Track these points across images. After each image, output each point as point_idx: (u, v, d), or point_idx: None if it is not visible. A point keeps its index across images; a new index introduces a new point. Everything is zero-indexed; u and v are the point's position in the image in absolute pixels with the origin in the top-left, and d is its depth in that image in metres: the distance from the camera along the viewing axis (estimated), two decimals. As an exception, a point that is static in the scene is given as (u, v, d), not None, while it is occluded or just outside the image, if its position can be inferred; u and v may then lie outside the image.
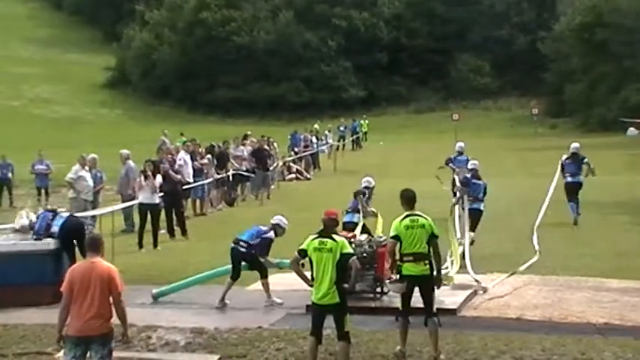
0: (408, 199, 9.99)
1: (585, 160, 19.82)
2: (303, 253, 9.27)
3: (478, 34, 70.25)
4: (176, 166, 20.27)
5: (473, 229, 15.96)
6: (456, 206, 15.34)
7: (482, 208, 16.79)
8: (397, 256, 9.84)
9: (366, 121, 54.83)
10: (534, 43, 65.50)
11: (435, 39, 72.02)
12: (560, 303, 11.96)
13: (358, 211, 14.54)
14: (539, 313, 11.52)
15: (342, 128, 47.48)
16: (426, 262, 9.69)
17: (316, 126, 46.83)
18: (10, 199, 26.64)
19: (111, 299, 7.88)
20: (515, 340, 10.13)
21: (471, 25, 71.20)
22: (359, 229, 13.49)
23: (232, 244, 12.76)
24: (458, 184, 17.60)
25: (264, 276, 12.59)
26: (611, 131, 49.77)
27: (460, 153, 21.29)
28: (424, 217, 9.85)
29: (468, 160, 19.26)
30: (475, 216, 16.32)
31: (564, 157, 19.95)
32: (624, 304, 11.83)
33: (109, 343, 7.93)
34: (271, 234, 12.75)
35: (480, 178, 17.00)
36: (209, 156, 24.63)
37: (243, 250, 12.59)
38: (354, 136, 49.76)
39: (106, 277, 7.83)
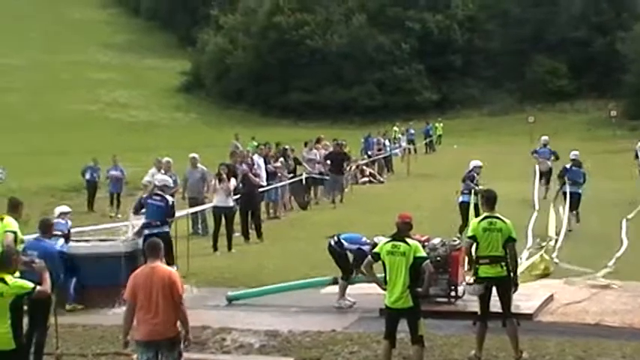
0: (489, 200, 9.96)
1: None
2: (376, 257, 9.28)
3: (554, 36, 69.11)
4: (255, 169, 20.46)
5: (573, 209, 19.01)
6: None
7: (580, 191, 19.67)
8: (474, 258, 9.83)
9: (441, 124, 54.50)
10: (613, 43, 64.09)
11: (509, 41, 71.10)
12: (640, 309, 11.71)
13: (470, 193, 17.43)
14: (619, 318, 11.30)
15: (411, 131, 47.28)
16: (503, 264, 9.65)
17: (395, 128, 46.76)
18: (92, 202, 27.12)
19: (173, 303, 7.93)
20: (594, 347, 9.97)
21: (546, 26, 70.10)
22: (472, 208, 16.14)
23: (329, 238, 12.88)
24: (537, 172, 22.66)
25: (344, 277, 12.54)
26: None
27: (544, 145, 25.37)
28: (502, 220, 9.79)
29: (550, 152, 24.76)
30: (575, 198, 19.21)
31: None
32: None
33: (178, 346, 8.02)
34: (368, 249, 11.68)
35: (580, 167, 20.09)
36: (282, 159, 24.81)
37: (332, 243, 12.64)
38: (428, 139, 49.50)
39: (167, 282, 7.90)
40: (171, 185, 14.78)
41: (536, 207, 20.01)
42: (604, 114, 59.85)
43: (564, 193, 19.36)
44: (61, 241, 12.71)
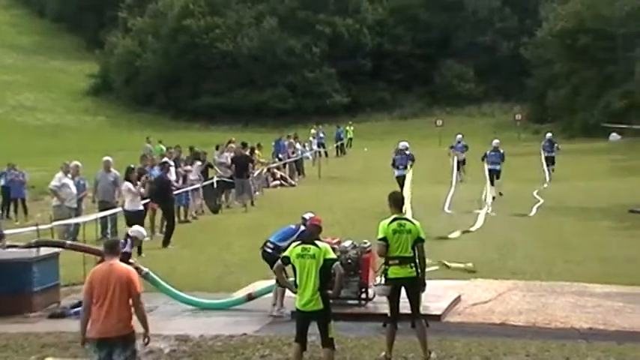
0: (396, 202, 10.02)
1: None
2: (286, 260, 9.26)
3: (462, 40, 70.47)
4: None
5: (496, 179, 26.21)
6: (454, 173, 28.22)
7: (499, 168, 26.71)
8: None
9: (351, 128, 54.88)
10: (517, 48, 65.70)
11: (418, 45, 72.16)
12: (544, 308, 12.00)
13: (405, 168, 23.23)
14: (524, 318, 11.56)
15: (321, 135, 47.40)
16: (412, 264, 9.73)
17: (313, 130, 46.82)
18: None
19: (130, 301, 7.98)
20: (500, 346, 10.17)
21: (454, 31, 71.49)
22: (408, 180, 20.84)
23: (261, 248, 12.37)
24: (455, 162, 30.41)
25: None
26: (593, 137, 49.99)
27: (459, 142, 32.62)
28: (411, 222, 9.90)
29: (464, 146, 32.36)
30: (496, 173, 26.52)
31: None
32: (608, 309, 11.89)
33: (132, 345, 8.02)
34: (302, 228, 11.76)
35: (498, 151, 27.29)
36: (199, 163, 24.63)
37: (268, 250, 12.08)
38: (339, 143, 49.78)
39: (125, 279, 7.95)
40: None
41: (454, 184, 27.12)
42: (509, 117, 61.31)
43: (489, 171, 26.42)
44: None
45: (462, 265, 14.93)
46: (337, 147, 49.17)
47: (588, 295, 12.77)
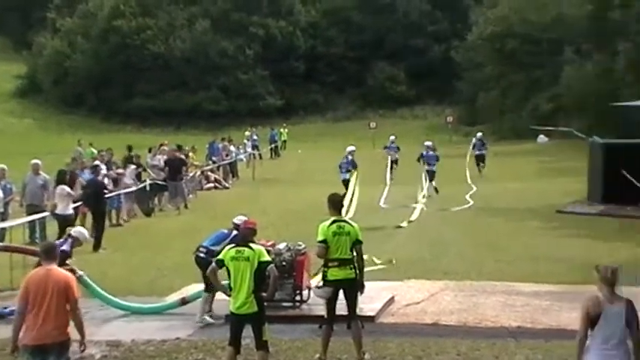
0: (335, 204, 10.09)
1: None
2: (220, 263, 9.25)
3: (394, 43, 71.16)
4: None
5: (432, 181, 27.43)
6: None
7: (434, 169, 27.82)
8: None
9: (285, 130, 54.96)
10: (449, 52, 66.57)
11: (351, 47, 72.57)
12: (475, 308, 12.23)
13: (349, 171, 24.02)
14: (455, 318, 11.75)
15: (255, 137, 47.37)
16: (351, 266, 9.82)
17: (247, 133, 46.63)
18: None
19: (67, 307, 7.83)
20: (432, 346, 10.32)
21: (386, 33, 72.06)
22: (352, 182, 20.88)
23: (194, 252, 12.21)
24: (389, 161, 31.28)
25: (208, 289, 11.81)
26: (522, 138, 51.00)
27: (392, 142, 35.00)
28: (350, 224, 9.98)
29: (397, 147, 34.88)
30: (431, 174, 27.56)
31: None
32: (536, 308, 12.16)
33: (67, 352, 7.88)
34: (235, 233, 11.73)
35: (434, 151, 28.52)
36: (133, 166, 24.36)
37: (202, 255, 11.92)
38: (273, 145, 49.79)
39: (62, 285, 7.80)
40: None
41: (388, 183, 27.70)
42: (441, 120, 62.13)
43: (427, 171, 27.51)
44: None
45: (379, 261, 15.30)
46: (271, 149, 49.20)
47: (517, 294, 13.05)
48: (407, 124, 64.57)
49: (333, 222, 9.87)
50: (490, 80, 60.03)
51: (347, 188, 22.70)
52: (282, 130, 54.29)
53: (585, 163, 24.87)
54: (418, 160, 28.61)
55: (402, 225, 20.65)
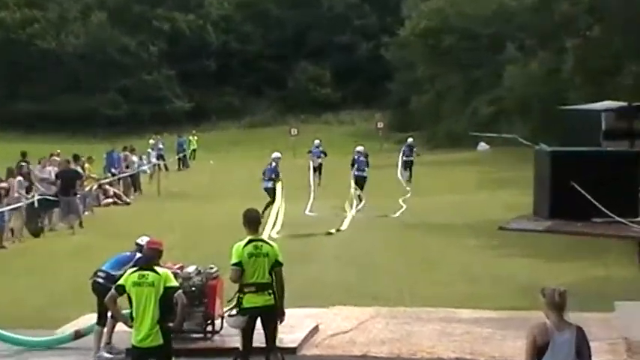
0: (252, 221, 10.05)
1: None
2: (120, 290, 9.15)
3: (317, 40, 71.51)
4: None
5: (361, 188, 28.71)
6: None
7: (365, 175, 29.43)
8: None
9: (195, 137, 54.65)
10: (378, 49, 66.95)
11: (269, 44, 72.73)
12: (409, 337, 12.30)
13: (271, 180, 25.29)
14: (387, 349, 11.80)
15: (160, 146, 46.96)
16: (270, 291, 9.82)
17: (151, 141, 46.18)
18: None
19: None
20: (361, 380, 10.37)
21: (308, 29, 72.37)
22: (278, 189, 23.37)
23: (91, 278, 12.02)
24: (311, 167, 33.71)
25: (100, 322, 11.71)
26: (460, 146, 51.50)
27: (317, 147, 36.57)
28: (269, 244, 9.99)
29: (321, 152, 36.27)
30: (361, 180, 29.08)
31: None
32: (476, 337, 12.30)
33: None
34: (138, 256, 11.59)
35: (365, 157, 30.39)
36: (20, 178, 23.79)
37: (100, 281, 11.74)
38: (180, 154, 49.44)
39: None
40: None
41: (312, 188, 29.55)
42: (371, 125, 62.50)
43: (355, 176, 28.89)
44: None
45: None
46: (179, 159, 48.85)
47: (456, 321, 13.18)
48: (332, 131, 64.87)
49: (249, 242, 9.87)
50: (424, 81, 60.73)
51: (270, 196, 24.79)
52: (191, 137, 53.99)
53: (530, 174, 25.27)
54: (352, 165, 29.85)
55: (331, 231, 22.24)
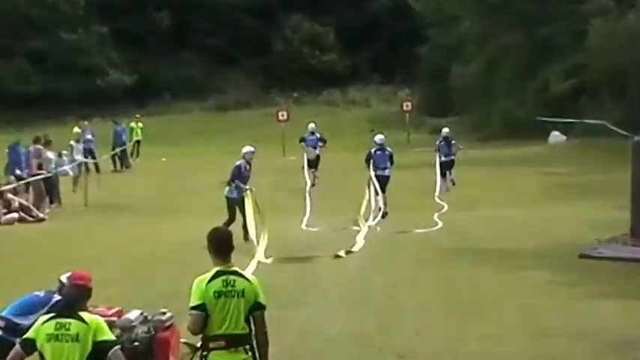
0: (220, 245, 9.94)
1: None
2: (29, 345, 9.14)
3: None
4: None
5: (383, 191, 29.72)
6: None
7: (387, 174, 30.49)
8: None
9: (139, 125, 54.42)
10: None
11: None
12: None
13: (239, 187, 25.16)
14: None
15: (88, 136, 46.82)
16: (247, 347, 9.75)
17: (77, 129, 46.12)
18: None
19: None
20: None
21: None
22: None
23: None
24: (306, 161, 35.57)
25: None
26: (524, 137, 51.12)
27: (312, 133, 38.01)
28: (245, 278, 9.85)
29: (318, 139, 37.82)
30: (383, 182, 29.85)
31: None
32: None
33: None
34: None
35: (384, 149, 30.98)
36: None
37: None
38: (118, 149, 49.31)
39: None
40: None
41: (307, 191, 31.35)
42: (393, 107, 63.01)
43: (376, 177, 29.83)
44: None
45: None
46: (115, 157, 48.71)
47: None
48: (338, 115, 65.05)
49: (217, 275, 9.76)
50: (470, 43, 60.65)
51: (229, 212, 25.18)
52: (133, 124, 53.80)
53: (626, 176, 25.18)
54: (367, 161, 30.79)
55: (339, 254, 22.21)
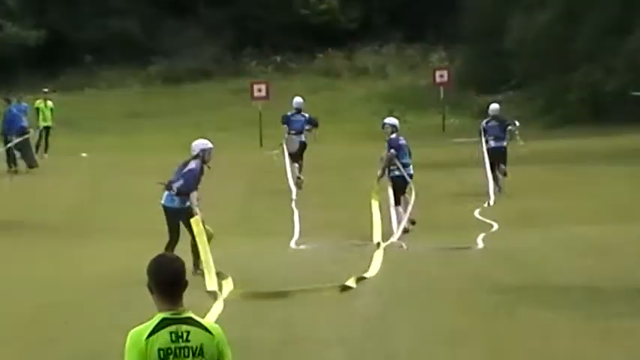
0: (166, 281, 9.81)
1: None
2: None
3: None
4: None
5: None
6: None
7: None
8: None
9: (49, 103, 54.45)
10: None
11: None
12: None
13: (180, 192, 25.66)
14: None
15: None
16: None
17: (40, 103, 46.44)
18: None
19: None
20: None
21: None
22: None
23: None
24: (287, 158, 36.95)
25: None
26: (613, 122, 51.63)
27: (298, 110, 40.11)
28: (203, 328, 9.81)
29: (305, 122, 39.56)
30: (401, 183, 31.09)
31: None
32: None
33: None
34: None
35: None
36: None
37: None
38: (17, 139, 49.31)
39: None
40: None
41: (293, 198, 33.05)
42: (421, 79, 64.05)
43: (392, 179, 31.29)
44: None
45: None
46: (10, 151, 48.68)
47: None
48: (341, 90, 65.46)
49: (163, 325, 9.69)
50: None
51: (173, 230, 25.84)
52: (40, 104, 53.96)
53: None
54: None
55: (348, 285, 22.27)
